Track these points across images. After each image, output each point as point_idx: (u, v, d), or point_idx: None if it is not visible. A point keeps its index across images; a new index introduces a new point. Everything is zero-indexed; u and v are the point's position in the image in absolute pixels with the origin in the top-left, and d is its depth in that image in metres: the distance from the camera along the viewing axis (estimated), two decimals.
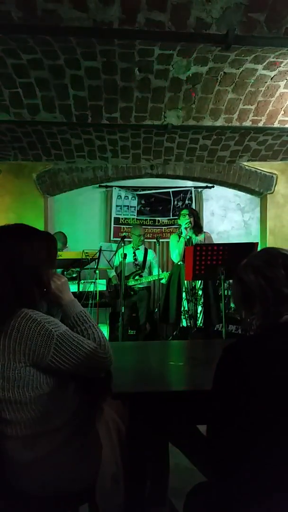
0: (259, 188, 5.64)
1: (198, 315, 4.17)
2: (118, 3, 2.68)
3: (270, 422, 1.03)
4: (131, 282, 5.16)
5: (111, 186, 6.27)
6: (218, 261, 3.36)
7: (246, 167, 5.56)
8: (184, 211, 4.47)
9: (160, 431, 1.63)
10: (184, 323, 4.18)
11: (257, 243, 3.53)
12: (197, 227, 4.45)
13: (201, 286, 4.24)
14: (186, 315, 4.17)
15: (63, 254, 4.54)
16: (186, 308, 4.18)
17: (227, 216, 6.56)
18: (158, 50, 3.23)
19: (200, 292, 4.21)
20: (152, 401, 1.57)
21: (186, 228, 4.25)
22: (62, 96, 3.86)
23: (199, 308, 4.18)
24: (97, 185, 6.12)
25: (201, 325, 4.15)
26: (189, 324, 4.14)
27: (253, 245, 3.42)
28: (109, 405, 1.59)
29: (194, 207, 6.33)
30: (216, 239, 6.02)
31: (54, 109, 4.05)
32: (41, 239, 1.42)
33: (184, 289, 4.24)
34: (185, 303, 4.21)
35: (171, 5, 2.69)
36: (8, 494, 1.38)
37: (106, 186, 6.26)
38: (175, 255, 4.45)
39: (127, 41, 3.08)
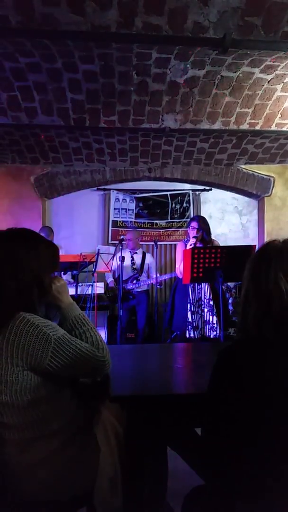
0: (256, 191, 5.65)
1: (215, 325, 4.05)
2: (116, 7, 2.69)
3: (265, 425, 1.03)
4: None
5: (109, 189, 6.27)
6: (216, 264, 3.37)
7: (244, 170, 5.57)
8: (194, 224, 4.13)
9: (158, 434, 1.62)
10: (187, 335, 4.10)
11: (255, 245, 3.54)
12: (204, 241, 4.11)
13: (211, 297, 4.07)
14: (190, 327, 4.10)
15: (61, 257, 4.51)
16: (190, 320, 4.10)
17: (224, 219, 6.56)
18: (155, 53, 3.24)
19: (211, 303, 4.09)
20: (150, 404, 1.56)
21: (191, 245, 3.99)
22: (60, 99, 3.87)
23: (215, 319, 4.04)
24: (95, 188, 6.12)
25: (219, 334, 3.97)
26: (192, 336, 4.06)
27: (251, 248, 3.43)
28: (107, 408, 1.59)
29: (192, 210, 6.34)
30: None
31: (52, 112, 4.06)
32: (45, 243, 1.45)
33: (189, 300, 4.17)
34: (189, 314, 4.13)
35: (168, 9, 2.70)
36: (5, 498, 1.37)
37: (104, 189, 6.26)
38: (180, 269, 4.20)
39: (124, 44, 3.09)
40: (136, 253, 5.36)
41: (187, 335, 4.07)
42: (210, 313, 4.05)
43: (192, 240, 4.04)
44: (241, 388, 1.05)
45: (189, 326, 4.08)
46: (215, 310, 4.02)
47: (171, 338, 4.73)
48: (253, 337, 1.12)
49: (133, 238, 5.32)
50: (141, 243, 5.65)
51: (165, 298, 6.04)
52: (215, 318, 4.03)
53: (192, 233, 4.11)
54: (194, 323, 4.06)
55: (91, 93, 3.79)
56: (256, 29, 2.86)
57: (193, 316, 4.08)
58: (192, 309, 4.10)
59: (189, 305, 4.11)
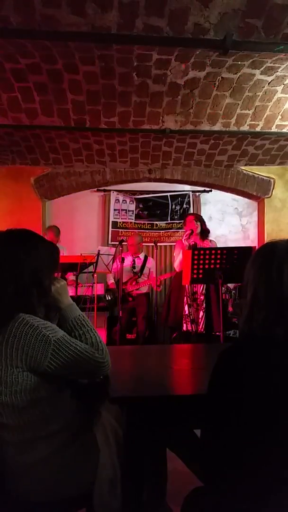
0: (256, 192, 5.65)
1: (200, 320, 4.15)
2: (117, 9, 2.69)
3: (264, 427, 1.03)
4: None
5: (109, 190, 6.27)
6: (216, 265, 3.37)
7: (244, 171, 5.57)
8: (190, 217, 4.39)
9: (157, 435, 1.62)
10: (184, 327, 4.16)
11: (255, 247, 3.54)
12: (202, 234, 4.35)
13: (203, 291, 4.20)
14: (187, 319, 4.16)
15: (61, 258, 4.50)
16: (187, 313, 4.16)
17: (224, 220, 6.57)
18: (156, 55, 3.24)
19: (202, 297, 4.17)
20: (149, 405, 1.56)
21: (186, 239, 4.16)
22: (60, 100, 3.87)
23: (200, 314, 4.14)
24: (95, 189, 6.13)
25: (202, 330, 4.12)
26: (189, 329, 4.13)
27: (251, 249, 3.43)
28: (106, 410, 1.59)
29: (191, 211, 6.34)
30: None
31: (52, 113, 4.06)
32: (45, 244, 1.44)
33: (185, 294, 4.21)
34: (186, 307, 4.18)
35: (169, 10, 2.70)
36: (5, 499, 1.37)
37: (104, 190, 6.26)
38: (177, 263, 4.39)
39: (125, 46, 3.10)
40: (138, 257, 5.36)
41: (184, 328, 4.13)
42: (199, 307, 4.13)
43: (188, 232, 4.19)
44: (243, 390, 1.05)
45: (186, 319, 4.14)
46: (204, 305, 4.09)
47: (171, 338, 4.73)
48: (258, 339, 1.11)
49: (135, 243, 5.32)
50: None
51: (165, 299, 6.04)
52: (201, 313, 4.15)
53: (190, 225, 4.20)
54: (190, 315, 4.11)
55: (92, 94, 3.79)
56: (257, 30, 2.87)
57: (190, 309, 4.13)
58: (189, 302, 4.15)
59: (185, 298, 4.16)
